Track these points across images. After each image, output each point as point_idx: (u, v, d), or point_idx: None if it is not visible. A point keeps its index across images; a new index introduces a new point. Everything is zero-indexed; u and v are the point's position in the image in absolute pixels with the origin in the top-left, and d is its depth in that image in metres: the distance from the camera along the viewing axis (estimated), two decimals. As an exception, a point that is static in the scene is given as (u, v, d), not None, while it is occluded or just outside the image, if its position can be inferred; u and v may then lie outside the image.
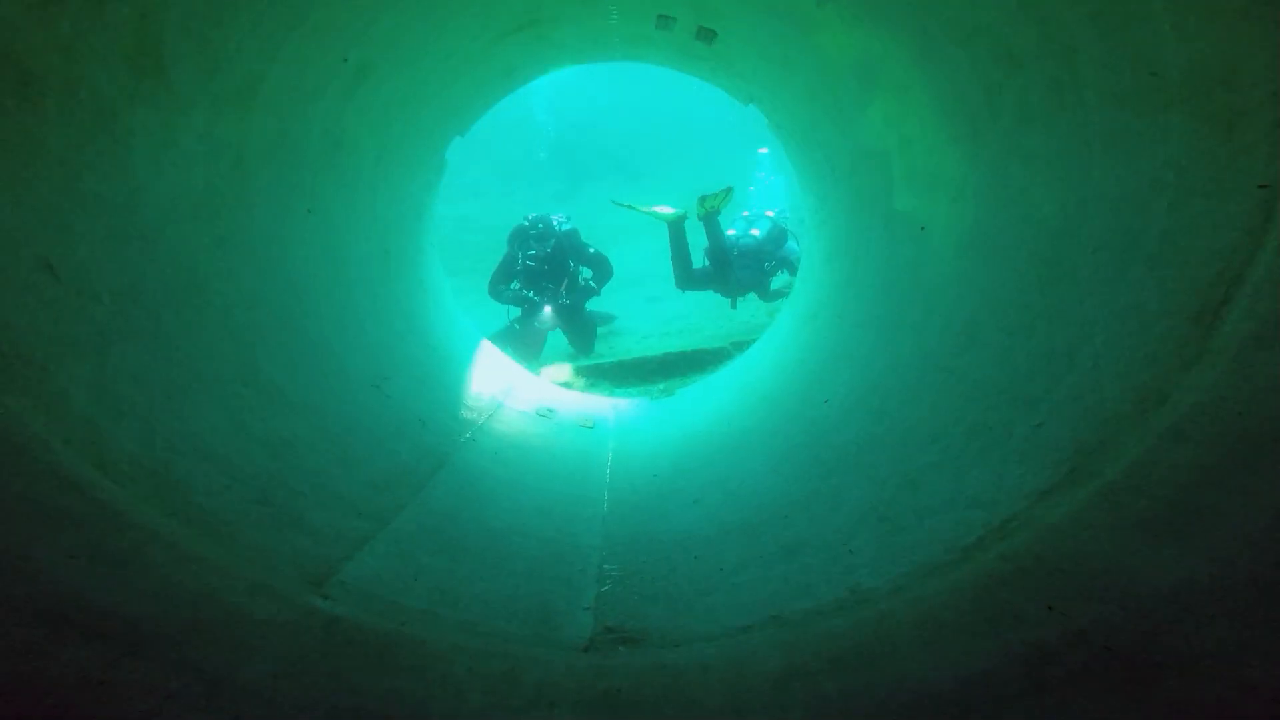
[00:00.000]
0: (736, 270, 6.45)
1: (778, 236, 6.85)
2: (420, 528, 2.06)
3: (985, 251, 2.14)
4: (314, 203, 2.66)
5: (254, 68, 2.03)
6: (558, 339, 6.84)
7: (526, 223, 6.91)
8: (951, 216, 2.36)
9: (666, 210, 6.61)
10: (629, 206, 6.95)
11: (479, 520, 2.31)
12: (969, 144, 2.24)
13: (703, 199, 6.29)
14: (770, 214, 7.10)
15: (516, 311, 6.70)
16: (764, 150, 10.40)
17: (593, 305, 6.90)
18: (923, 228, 2.60)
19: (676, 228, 6.64)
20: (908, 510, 1.82)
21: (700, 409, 4.12)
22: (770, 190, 10.06)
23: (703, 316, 7.84)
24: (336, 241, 2.92)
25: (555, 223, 6.98)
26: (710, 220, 6.36)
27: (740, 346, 5.54)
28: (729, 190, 6.34)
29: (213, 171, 1.92)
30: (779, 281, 6.84)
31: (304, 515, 1.71)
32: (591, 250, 6.96)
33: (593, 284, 6.80)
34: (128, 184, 1.56)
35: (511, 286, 6.69)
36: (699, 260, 6.83)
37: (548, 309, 6.45)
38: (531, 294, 6.60)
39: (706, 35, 3.64)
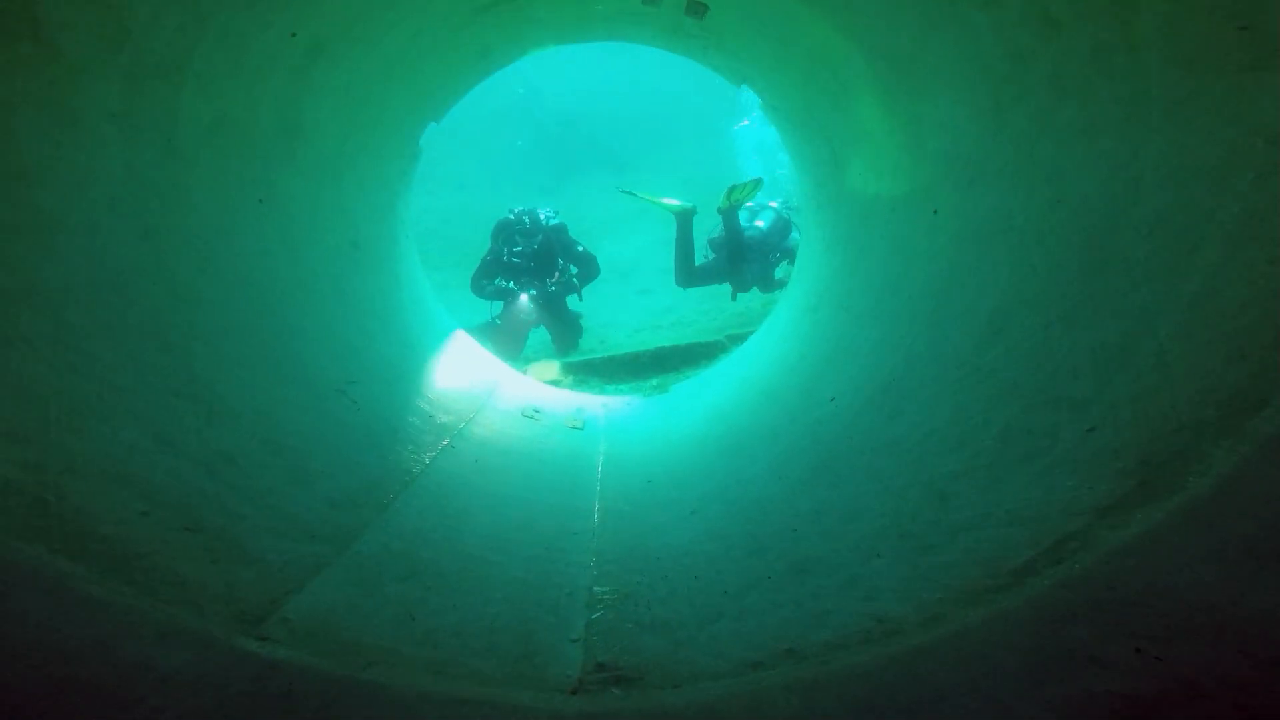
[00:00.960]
0: (747, 264, 6.28)
1: (782, 228, 6.62)
2: (386, 551, 1.84)
3: (1011, 237, 1.93)
4: (268, 192, 2.42)
5: (177, 41, 1.78)
6: (543, 338, 6.60)
7: (512, 216, 6.60)
8: (969, 200, 2.15)
9: (674, 202, 6.40)
10: (636, 195, 6.69)
11: (455, 539, 2.09)
12: (990, 120, 2.02)
13: (731, 189, 6.07)
14: (774, 205, 6.86)
15: (499, 308, 6.44)
16: (745, 123, 10.04)
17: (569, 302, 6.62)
18: (935, 211, 2.39)
19: (685, 221, 6.44)
20: (934, 525, 1.61)
21: (696, 406, 3.91)
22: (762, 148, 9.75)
23: (695, 309, 7.62)
24: (297, 235, 2.67)
25: (543, 217, 6.69)
26: (731, 213, 6.16)
27: (736, 339, 5.33)
28: (758, 182, 6.14)
29: (134, 155, 1.68)
30: (781, 271, 6.65)
31: (244, 542, 1.48)
32: (580, 248, 6.68)
33: (575, 280, 6.53)
34: (9, 164, 1.32)
35: (495, 282, 6.43)
36: (700, 256, 6.64)
37: (524, 297, 6.19)
38: (513, 285, 6.34)
39: (697, 9, 3.41)
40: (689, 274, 6.56)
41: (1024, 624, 1.16)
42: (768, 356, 3.77)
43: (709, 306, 7.61)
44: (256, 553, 1.49)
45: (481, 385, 3.81)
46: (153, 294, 1.69)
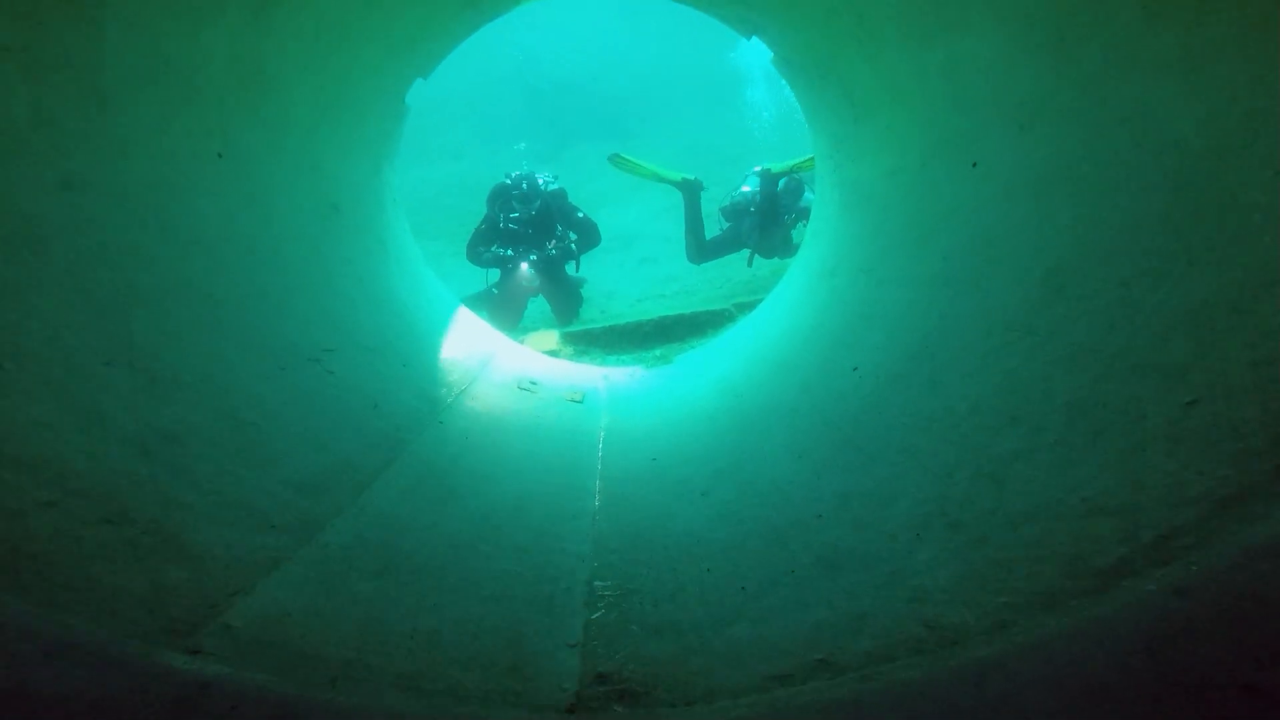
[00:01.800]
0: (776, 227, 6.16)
1: (795, 188, 6.47)
2: (358, 541, 1.62)
3: (1074, 186, 1.67)
4: (227, 146, 2.16)
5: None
6: (541, 307, 6.35)
7: (509, 181, 6.30)
8: (1021, 148, 1.88)
9: (673, 175, 6.27)
10: (628, 162, 6.47)
11: (439, 526, 1.87)
12: (1052, 57, 1.75)
13: (797, 164, 6.13)
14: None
15: (496, 275, 6.18)
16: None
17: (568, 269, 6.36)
18: (974, 164, 2.12)
19: (692, 194, 6.30)
20: (990, 514, 1.39)
21: (703, 378, 3.67)
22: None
23: (700, 278, 7.35)
24: (264, 193, 2.42)
25: (541, 182, 6.38)
26: (770, 178, 6.20)
27: (744, 308, 5.08)
28: (811, 160, 6.02)
29: (43, 94, 1.43)
30: (798, 233, 6.44)
31: (181, 535, 1.26)
32: (580, 214, 6.39)
33: (573, 247, 6.25)
34: None
35: (492, 249, 6.16)
36: (715, 227, 6.53)
37: (525, 266, 5.92)
38: (510, 252, 6.07)
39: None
40: (700, 249, 6.43)
41: (1127, 638, 0.93)
42: (780, 326, 3.53)
43: (714, 275, 7.34)
44: (196, 548, 1.27)
45: (475, 356, 3.58)
46: (78, 251, 1.44)
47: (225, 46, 2.11)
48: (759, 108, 13.01)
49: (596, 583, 1.75)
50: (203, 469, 1.45)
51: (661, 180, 6.62)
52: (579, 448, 2.82)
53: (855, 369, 2.40)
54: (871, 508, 1.71)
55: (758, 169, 6.71)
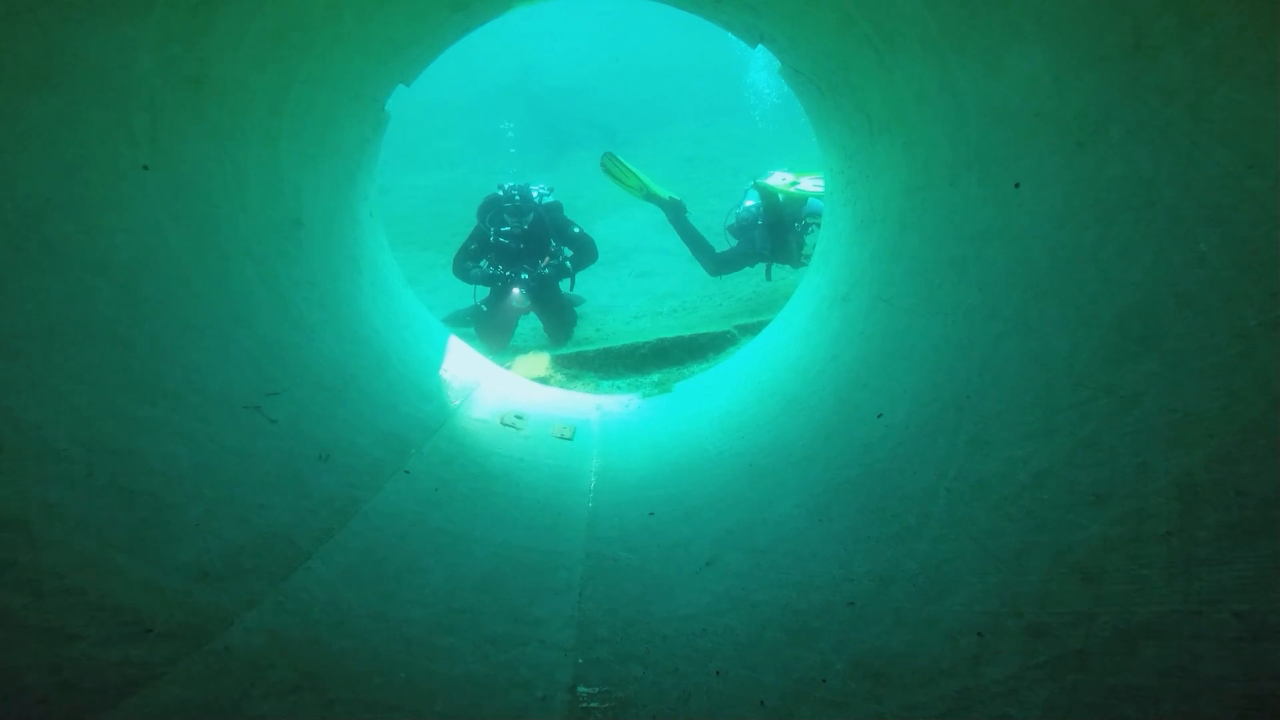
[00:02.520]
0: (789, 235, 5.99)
1: (799, 195, 6.20)
2: (269, 645, 1.31)
3: (1153, 214, 1.38)
4: (158, 157, 1.87)
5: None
6: (533, 324, 6.06)
7: (501, 192, 5.96)
8: (1078, 167, 1.60)
9: (662, 192, 6.09)
10: (620, 166, 6.24)
11: (385, 615, 1.56)
12: (1124, 65, 1.46)
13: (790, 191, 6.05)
14: (787, 176, 6.39)
15: (485, 292, 5.87)
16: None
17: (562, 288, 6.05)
18: (1017, 184, 1.84)
19: (677, 214, 6.15)
20: (1085, 619, 1.09)
21: (704, 412, 3.38)
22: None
23: (699, 294, 7.07)
24: (207, 210, 2.12)
25: (535, 194, 6.07)
26: (769, 191, 6.03)
27: (746, 330, 4.79)
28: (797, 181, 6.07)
29: None
30: (812, 239, 6.26)
31: (10, 653, 0.95)
32: (576, 229, 6.06)
33: (568, 264, 5.95)
34: None
35: (481, 265, 5.85)
36: (722, 244, 6.38)
37: (516, 291, 5.61)
38: (503, 269, 5.76)
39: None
40: (715, 261, 6.23)
41: None
42: (788, 356, 3.23)
43: (713, 291, 7.06)
44: (35, 672, 0.96)
45: (456, 387, 3.28)
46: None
47: (155, 45, 1.82)
48: (761, 92, 12.78)
49: (581, 689, 1.44)
50: (54, 561, 1.14)
51: (648, 195, 6.37)
52: (567, 497, 2.52)
53: (880, 415, 2.11)
54: (918, 596, 1.41)
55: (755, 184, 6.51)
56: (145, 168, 1.83)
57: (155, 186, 1.86)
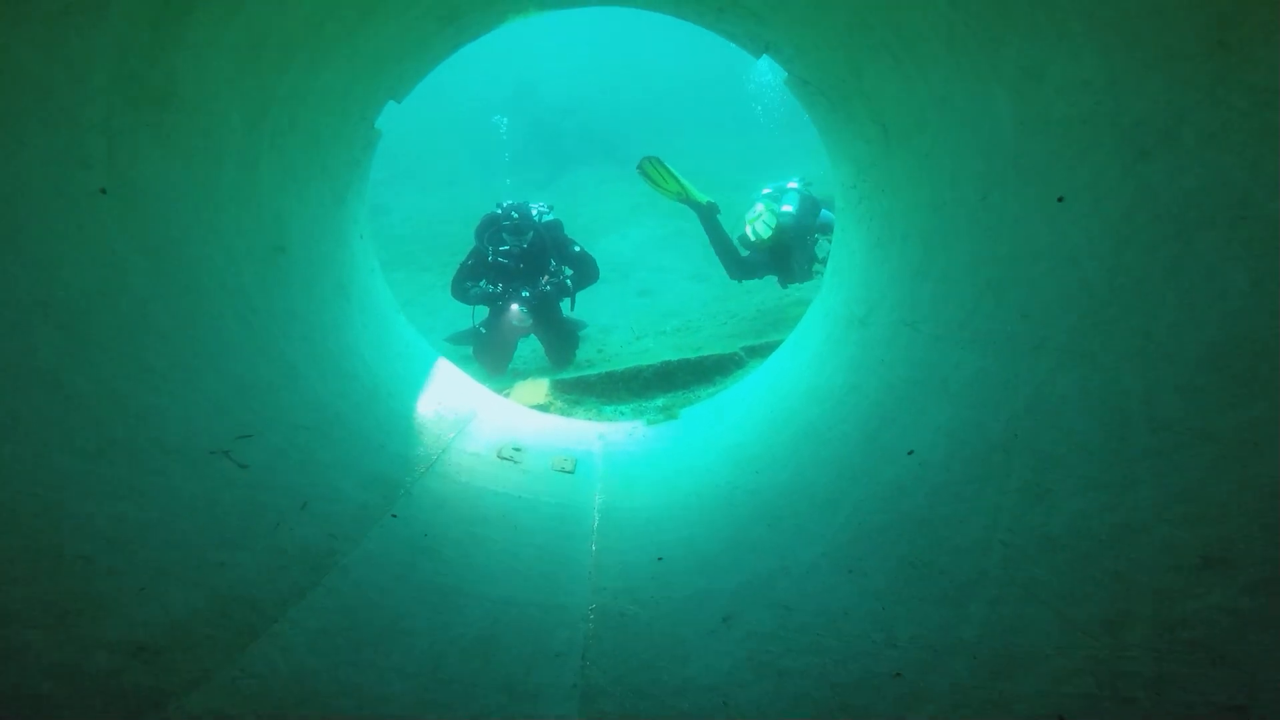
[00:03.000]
0: (792, 254, 5.91)
1: (811, 206, 6.22)
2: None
3: (1248, 228, 1.20)
4: (116, 180, 1.70)
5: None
6: (533, 346, 5.89)
7: (500, 211, 5.80)
8: (1142, 180, 1.42)
9: (700, 196, 6.05)
10: (661, 170, 6.14)
11: (362, 689, 1.37)
12: (1204, 63, 1.29)
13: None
14: (793, 185, 6.37)
15: (484, 314, 5.70)
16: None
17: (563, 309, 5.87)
18: (1060, 199, 1.66)
19: (710, 217, 6.09)
20: (1203, 701, 0.89)
21: (713, 441, 3.19)
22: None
23: (702, 312, 6.91)
24: (178, 238, 1.95)
25: (535, 212, 5.90)
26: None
27: (754, 352, 4.61)
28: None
29: None
30: (822, 249, 6.18)
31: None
32: (577, 248, 5.88)
33: (569, 283, 5.78)
34: None
35: (480, 285, 5.68)
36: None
37: (515, 307, 5.43)
38: (500, 288, 5.59)
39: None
40: (738, 266, 6.17)
41: None
42: (802, 383, 3.05)
43: (718, 310, 6.90)
44: None
45: (451, 418, 3.09)
46: None
47: (110, 58, 1.66)
48: (764, 87, 12.72)
49: (584, 788, 1.25)
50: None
51: (686, 199, 6.23)
52: (568, 541, 2.33)
53: (910, 453, 1.92)
54: (982, 671, 1.21)
55: (766, 190, 6.39)
56: (102, 192, 1.66)
57: (113, 213, 1.69)
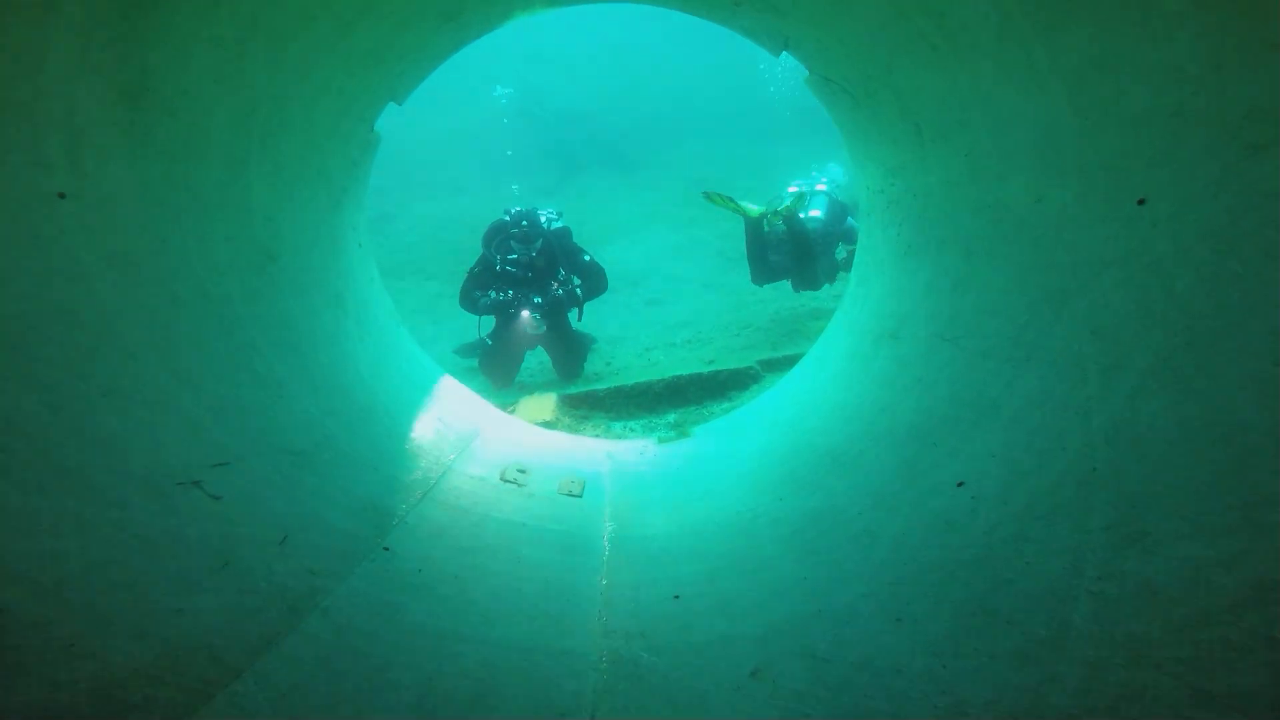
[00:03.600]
0: (815, 259, 5.89)
1: (839, 213, 6.16)
2: None
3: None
4: (77, 183, 1.54)
5: None
6: (540, 358, 5.71)
7: (508, 218, 5.64)
8: (1252, 179, 1.22)
9: (751, 207, 6.12)
10: (720, 198, 6.26)
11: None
12: None
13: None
14: (822, 187, 6.30)
15: (490, 324, 5.53)
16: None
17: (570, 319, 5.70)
18: (1141, 201, 1.46)
19: (756, 226, 6.07)
20: None
21: (730, 462, 2.99)
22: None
23: (714, 323, 6.72)
24: (147, 245, 1.79)
25: (543, 219, 5.74)
26: (793, 217, 5.89)
27: (771, 366, 4.41)
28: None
29: None
30: (841, 251, 6.18)
31: None
32: (586, 257, 5.71)
33: (578, 292, 5.61)
34: None
35: (489, 294, 5.51)
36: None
37: (526, 313, 5.25)
38: (510, 295, 5.40)
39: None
40: (763, 271, 6.17)
41: None
42: (826, 401, 2.85)
43: (730, 320, 6.70)
44: None
45: (452, 438, 2.91)
46: None
47: (69, 50, 1.50)
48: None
49: None
50: None
51: (739, 210, 6.27)
52: (576, 574, 2.13)
53: (960, 484, 1.72)
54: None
55: (793, 188, 6.27)
56: (61, 196, 1.49)
57: (75, 219, 1.52)
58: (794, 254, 5.86)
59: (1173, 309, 1.30)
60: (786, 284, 6.31)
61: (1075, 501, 1.35)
